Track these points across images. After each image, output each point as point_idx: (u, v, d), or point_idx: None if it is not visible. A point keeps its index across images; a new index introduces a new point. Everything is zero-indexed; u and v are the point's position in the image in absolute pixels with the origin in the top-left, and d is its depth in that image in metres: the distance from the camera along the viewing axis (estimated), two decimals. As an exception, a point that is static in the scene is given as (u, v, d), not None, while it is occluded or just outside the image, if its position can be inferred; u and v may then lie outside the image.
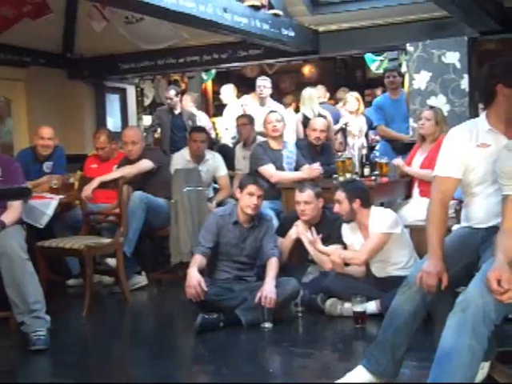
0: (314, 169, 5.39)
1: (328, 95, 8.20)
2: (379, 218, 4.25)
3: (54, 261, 4.97)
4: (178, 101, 7.83)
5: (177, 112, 7.76)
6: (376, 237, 4.20)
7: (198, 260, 4.22)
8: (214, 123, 9.37)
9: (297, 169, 5.64)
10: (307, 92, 7.05)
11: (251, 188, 4.33)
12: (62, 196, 5.12)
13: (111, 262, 5.05)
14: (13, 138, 7.61)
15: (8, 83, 7.49)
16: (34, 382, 3.42)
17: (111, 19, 6.99)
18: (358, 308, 4.00)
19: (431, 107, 5.47)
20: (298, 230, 4.63)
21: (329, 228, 4.64)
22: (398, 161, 5.42)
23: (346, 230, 4.45)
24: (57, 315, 4.09)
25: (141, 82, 9.66)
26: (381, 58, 9.07)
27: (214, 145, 7.47)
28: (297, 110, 9.20)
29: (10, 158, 4.69)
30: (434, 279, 2.67)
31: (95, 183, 5.01)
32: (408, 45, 6.30)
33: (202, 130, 6.17)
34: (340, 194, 4.30)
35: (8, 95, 7.64)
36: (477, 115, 4.71)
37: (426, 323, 2.86)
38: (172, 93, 7.68)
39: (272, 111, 5.97)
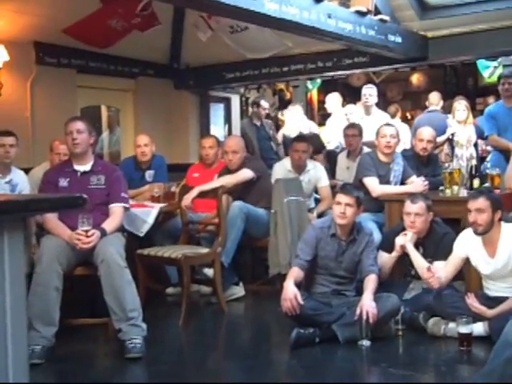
0: (420, 184, 5.16)
1: (442, 103, 7.86)
2: None
3: (153, 269, 5.01)
4: (263, 111, 8.14)
5: (258, 123, 8.02)
6: None
7: (296, 273, 4.12)
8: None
9: (403, 180, 5.41)
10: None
11: (338, 197, 4.28)
12: (163, 205, 5.16)
13: (209, 271, 5.04)
14: (120, 146, 7.85)
15: (118, 93, 7.75)
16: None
17: (216, 29, 7.03)
18: (464, 329, 3.75)
19: None
20: (406, 238, 4.42)
21: (436, 243, 4.42)
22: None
23: (474, 243, 3.99)
24: (154, 323, 4.12)
25: (246, 91, 9.72)
26: (494, 64, 8.61)
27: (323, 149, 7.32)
28: (403, 120, 8.91)
29: (113, 166, 4.75)
30: None
31: (195, 192, 5.02)
32: (525, 49, 5.94)
33: (303, 139, 6.05)
34: (484, 202, 3.85)
35: (117, 105, 7.91)
36: None
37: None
38: (266, 104, 8.14)
39: (388, 124, 5.69)
